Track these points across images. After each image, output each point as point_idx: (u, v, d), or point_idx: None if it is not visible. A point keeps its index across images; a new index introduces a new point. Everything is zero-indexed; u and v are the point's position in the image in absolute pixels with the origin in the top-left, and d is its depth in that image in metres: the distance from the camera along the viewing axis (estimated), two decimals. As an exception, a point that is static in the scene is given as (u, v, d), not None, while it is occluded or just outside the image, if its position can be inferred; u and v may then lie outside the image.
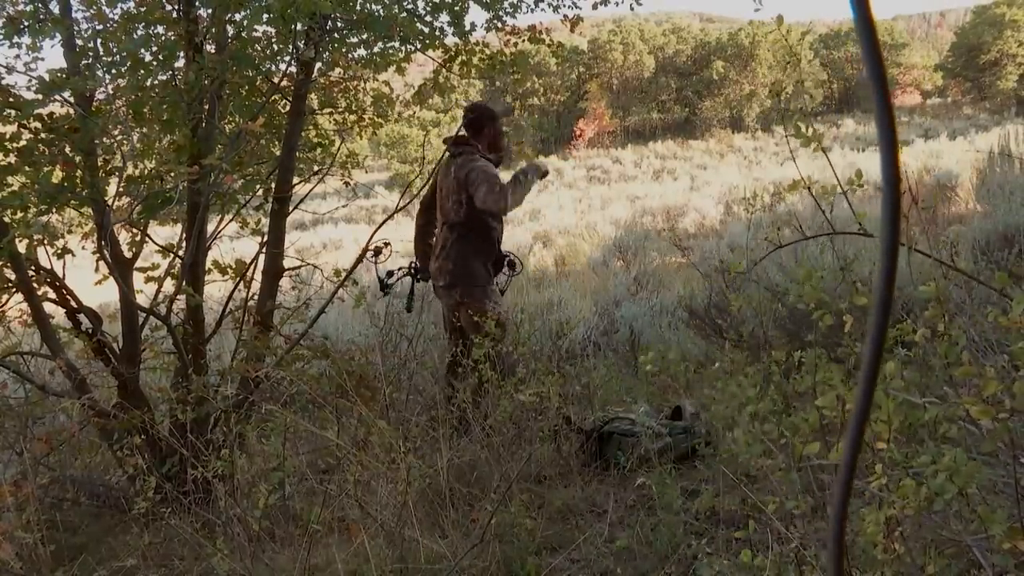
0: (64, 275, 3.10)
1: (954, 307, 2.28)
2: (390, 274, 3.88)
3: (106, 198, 3.01)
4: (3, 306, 3.12)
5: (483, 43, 4.47)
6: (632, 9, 4.92)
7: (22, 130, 2.95)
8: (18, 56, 4.13)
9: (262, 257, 3.59)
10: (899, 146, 0.34)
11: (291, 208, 3.73)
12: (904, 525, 1.33)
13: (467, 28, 4.25)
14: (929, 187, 10.30)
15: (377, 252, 3.75)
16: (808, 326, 2.41)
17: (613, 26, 50.97)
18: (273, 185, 3.68)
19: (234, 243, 8.34)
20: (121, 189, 2.99)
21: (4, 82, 2.91)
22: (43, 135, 2.98)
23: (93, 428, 3.11)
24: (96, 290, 3.33)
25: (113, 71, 3.17)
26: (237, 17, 3.40)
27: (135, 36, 3.26)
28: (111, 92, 3.16)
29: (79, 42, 3.12)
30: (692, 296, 4.85)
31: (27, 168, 2.85)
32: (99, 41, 3.13)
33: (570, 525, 2.66)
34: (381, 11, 3.86)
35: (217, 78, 3.16)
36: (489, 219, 3.67)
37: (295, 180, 3.82)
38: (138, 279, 3.27)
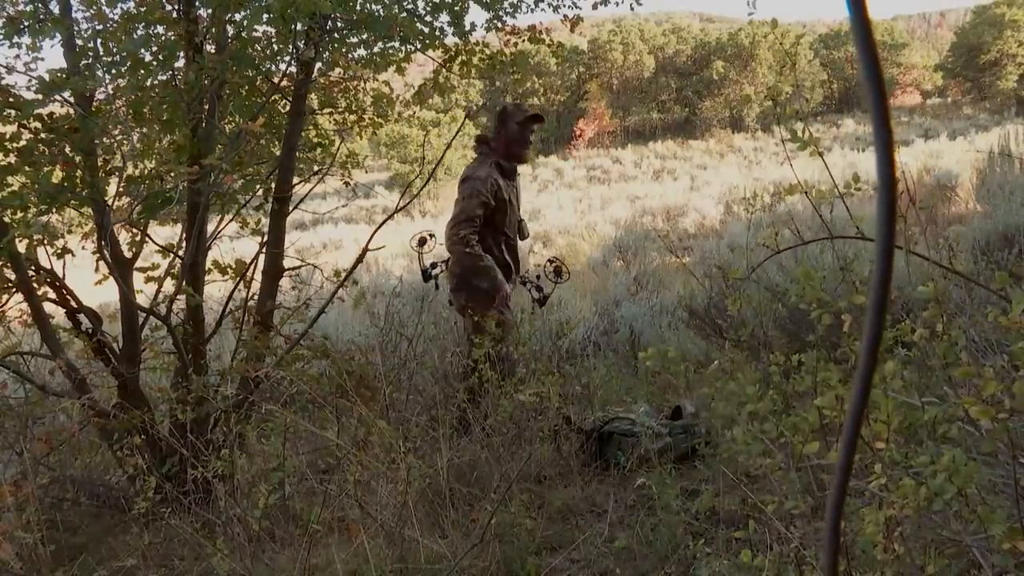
0: (64, 275, 3.10)
1: (954, 307, 2.28)
2: (434, 265, 3.88)
3: (106, 198, 3.02)
4: (3, 306, 3.12)
5: (483, 43, 4.48)
6: (632, 9, 4.92)
7: (22, 130, 2.96)
8: (18, 56, 4.13)
9: (262, 257, 3.59)
10: (895, 146, 0.34)
11: (291, 208, 3.73)
12: (904, 525, 1.33)
13: (467, 28, 4.25)
14: (929, 187, 10.30)
15: (422, 243, 3.75)
16: (808, 326, 2.41)
17: (613, 26, 50.95)
18: (273, 185, 3.68)
19: (234, 243, 8.35)
20: (121, 189, 2.99)
21: (4, 82, 2.91)
22: (43, 135, 2.99)
23: (93, 428, 3.11)
24: (96, 290, 3.33)
25: (113, 71, 3.17)
26: (237, 17, 3.40)
27: (135, 36, 3.26)
28: (111, 92, 3.16)
29: (79, 42, 3.12)
30: (692, 296, 4.85)
31: (27, 168, 2.85)
32: (99, 41, 3.14)
33: (570, 525, 2.66)
34: (381, 11, 3.86)
35: (217, 78, 3.16)
36: (493, 223, 3.63)
37: (295, 180, 3.82)
38: (138, 279, 3.27)
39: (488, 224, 3.62)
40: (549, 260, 3.92)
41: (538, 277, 3.87)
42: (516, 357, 3.42)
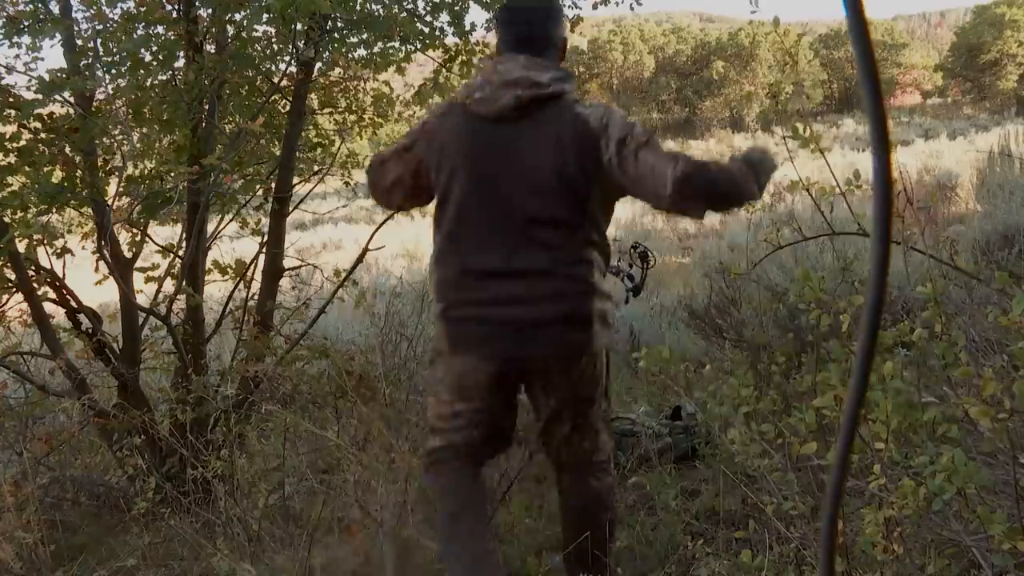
0: (64, 275, 3.10)
1: (954, 307, 2.28)
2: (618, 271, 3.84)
3: (106, 198, 3.02)
4: (3, 306, 3.12)
5: (483, 43, 4.47)
6: (632, 9, 4.92)
7: (22, 130, 2.96)
8: (18, 56, 4.13)
9: (262, 257, 3.59)
10: (892, 145, 0.34)
11: (291, 208, 3.73)
12: (903, 525, 1.33)
13: (467, 28, 4.25)
14: (929, 187, 10.30)
15: (644, 257, 3.73)
16: (808, 326, 2.41)
17: (613, 26, 50.94)
18: (273, 185, 3.68)
19: (234, 243, 8.34)
20: (121, 189, 2.99)
21: (4, 82, 2.91)
22: (43, 135, 2.99)
23: (93, 428, 3.11)
24: (96, 290, 3.33)
25: (113, 71, 3.17)
26: (237, 17, 3.40)
27: (135, 36, 3.26)
28: (111, 92, 3.16)
29: (79, 42, 3.12)
30: (692, 296, 4.85)
31: (27, 168, 2.85)
32: (99, 41, 3.14)
33: (570, 525, 2.66)
34: (381, 11, 3.86)
35: (217, 78, 3.16)
36: None
37: (295, 180, 3.82)
38: (138, 279, 3.27)
39: None
40: (633, 246, 3.80)
41: (630, 266, 3.76)
42: None
